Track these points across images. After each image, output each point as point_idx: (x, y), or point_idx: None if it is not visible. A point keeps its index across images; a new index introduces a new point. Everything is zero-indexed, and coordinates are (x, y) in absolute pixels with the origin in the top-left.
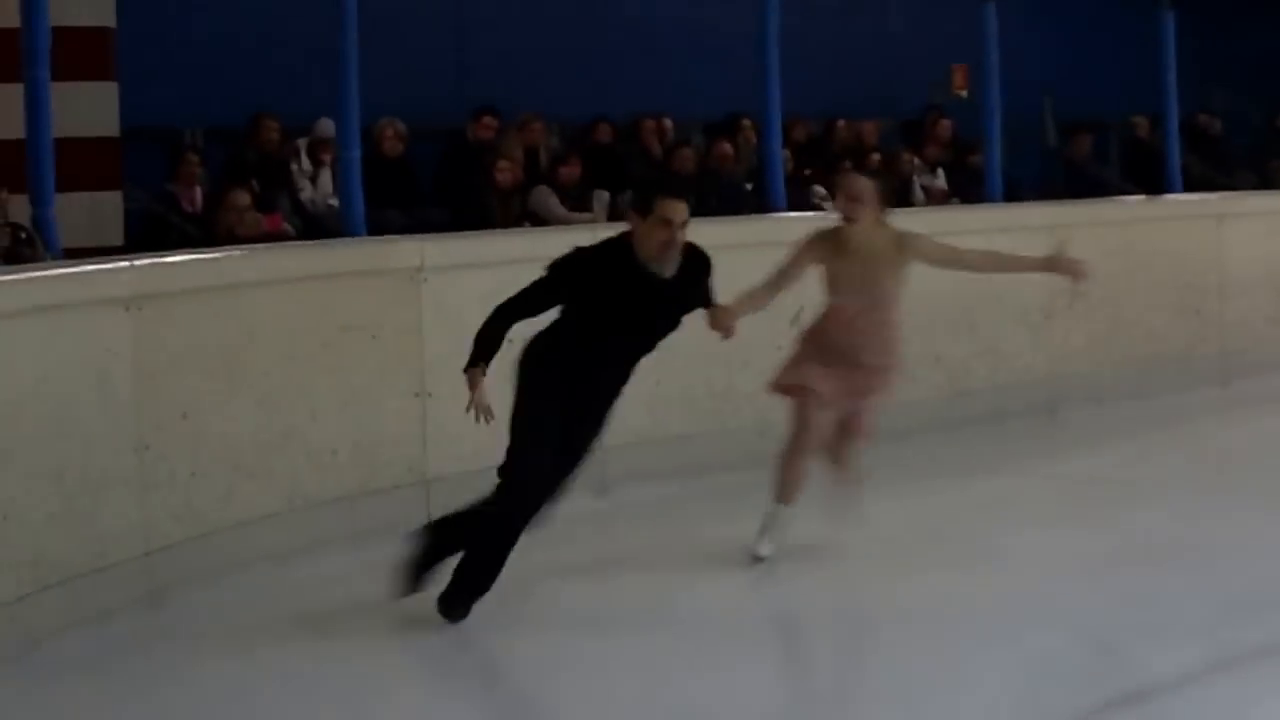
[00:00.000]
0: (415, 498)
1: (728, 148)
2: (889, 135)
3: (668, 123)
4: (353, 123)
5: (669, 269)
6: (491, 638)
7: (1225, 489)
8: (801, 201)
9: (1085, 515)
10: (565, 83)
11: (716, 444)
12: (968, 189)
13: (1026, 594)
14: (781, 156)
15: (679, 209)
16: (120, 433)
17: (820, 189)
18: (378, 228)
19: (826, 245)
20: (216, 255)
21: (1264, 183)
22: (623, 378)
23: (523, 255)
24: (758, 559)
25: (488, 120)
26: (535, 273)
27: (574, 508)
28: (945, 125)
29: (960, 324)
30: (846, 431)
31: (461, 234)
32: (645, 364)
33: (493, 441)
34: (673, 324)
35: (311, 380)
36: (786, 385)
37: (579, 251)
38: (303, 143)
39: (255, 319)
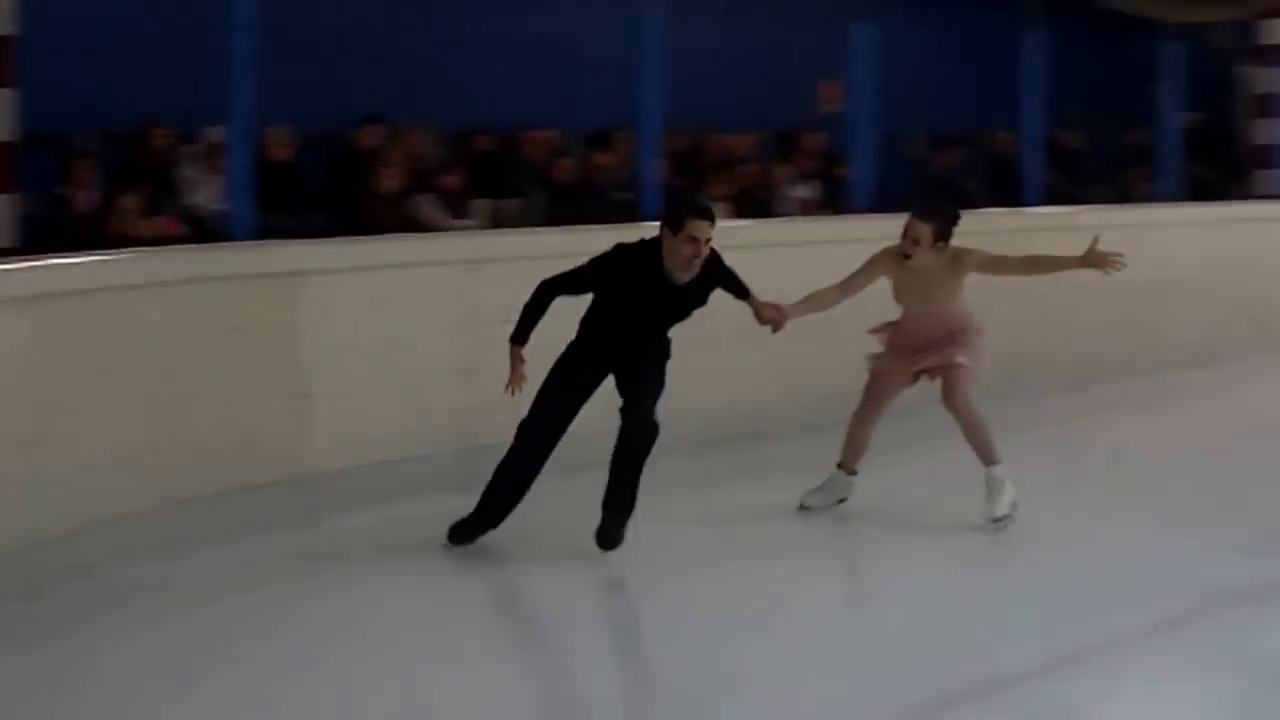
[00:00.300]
0: (294, 495)
1: (606, 158)
2: (763, 146)
3: (549, 133)
4: (242, 129)
5: (687, 277)
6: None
7: (1074, 484)
8: None
9: (933, 512)
10: (449, 93)
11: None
12: (837, 200)
13: (868, 588)
14: (657, 167)
15: (705, 228)
16: (7, 427)
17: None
18: (265, 232)
19: (893, 261)
20: (107, 258)
21: (1119, 197)
22: (648, 343)
23: (403, 260)
24: (804, 509)
25: (373, 128)
26: (416, 277)
27: None
28: (816, 138)
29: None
30: (949, 381)
31: (345, 239)
32: None
33: (370, 439)
34: (683, 316)
35: (197, 380)
36: (870, 368)
37: (618, 248)
38: (193, 148)
39: (144, 320)
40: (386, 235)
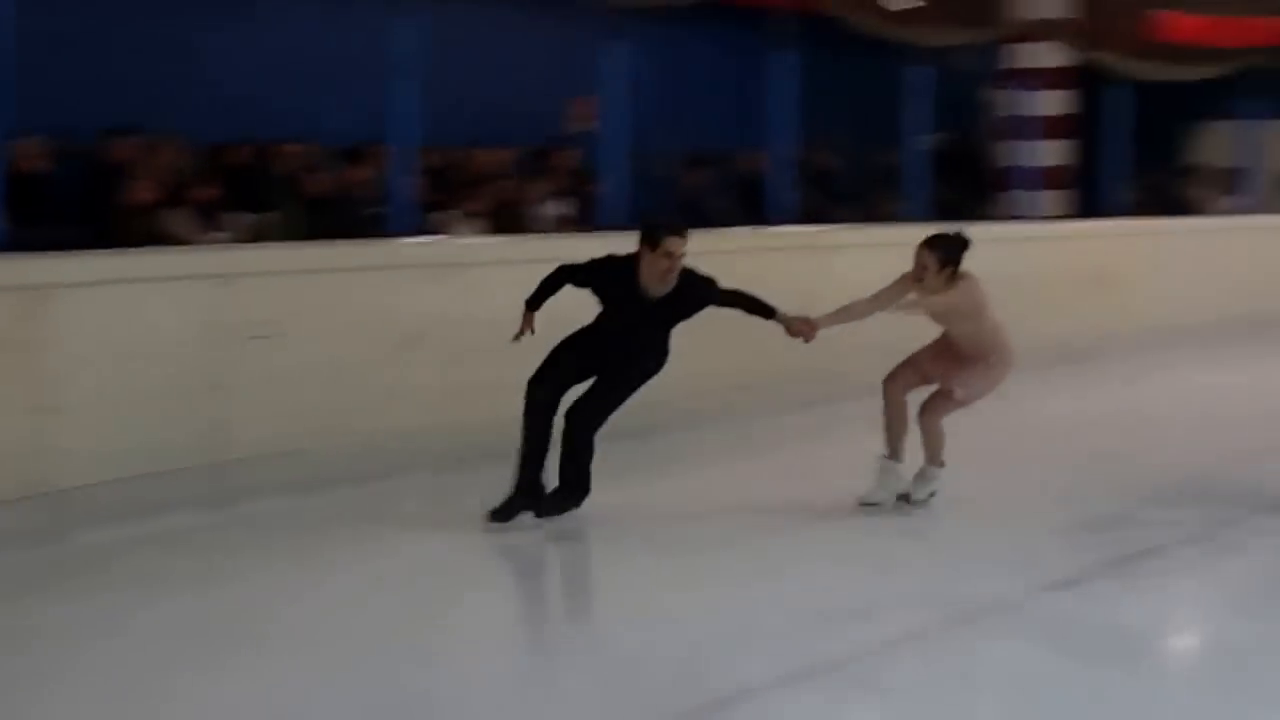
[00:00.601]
0: (37, 510)
1: (360, 172)
2: (517, 163)
3: (302, 147)
4: None
5: (661, 291)
6: None
7: (825, 504)
8: (430, 226)
9: (674, 534)
10: (203, 106)
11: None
12: (590, 217)
13: (613, 600)
14: (411, 183)
15: (680, 244)
16: None
17: (445, 215)
18: (14, 245)
19: (913, 281)
20: None
21: (869, 216)
22: (635, 348)
23: (153, 274)
24: (869, 504)
25: (126, 141)
26: (167, 290)
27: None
28: (570, 156)
29: None
30: (937, 396)
31: (94, 252)
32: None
33: (113, 455)
34: (664, 327)
35: None
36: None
37: (608, 257)
38: None
39: None
40: (137, 249)
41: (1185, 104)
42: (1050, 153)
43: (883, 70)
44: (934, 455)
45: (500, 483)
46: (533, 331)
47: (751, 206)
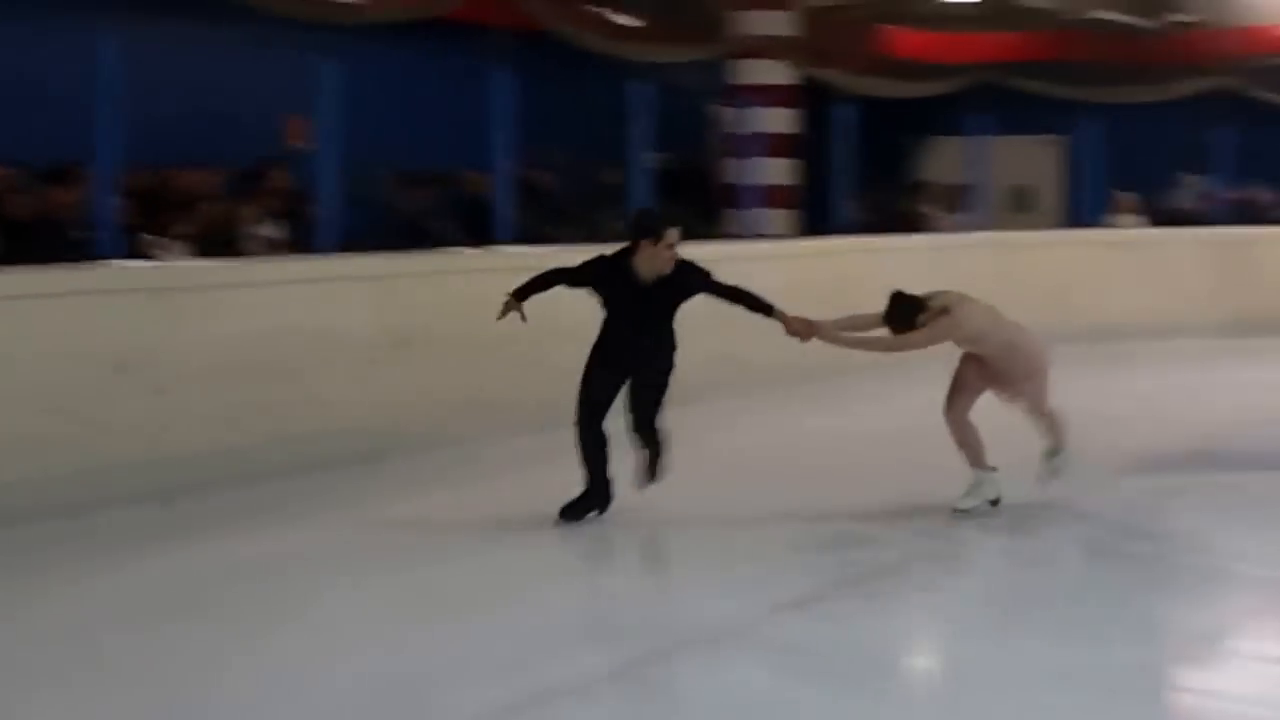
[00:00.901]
0: None
1: (63, 195)
2: (228, 185)
3: (3, 170)
4: None
5: (654, 277)
6: None
7: (548, 531)
8: (137, 250)
9: (418, 559)
10: None
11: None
12: (304, 239)
13: (335, 637)
14: (116, 205)
15: (678, 235)
16: None
17: (153, 238)
18: None
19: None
20: None
21: (592, 235)
22: (645, 337)
23: None
24: (961, 512)
25: None
26: None
27: None
28: (281, 176)
29: (284, 370)
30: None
31: None
32: None
33: None
34: (665, 315)
35: None
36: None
37: (599, 257)
38: None
39: None
40: None
41: (913, 120)
42: (776, 170)
43: (607, 88)
44: (976, 460)
45: (209, 514)
46: (523, 318)
47: (475, 227)
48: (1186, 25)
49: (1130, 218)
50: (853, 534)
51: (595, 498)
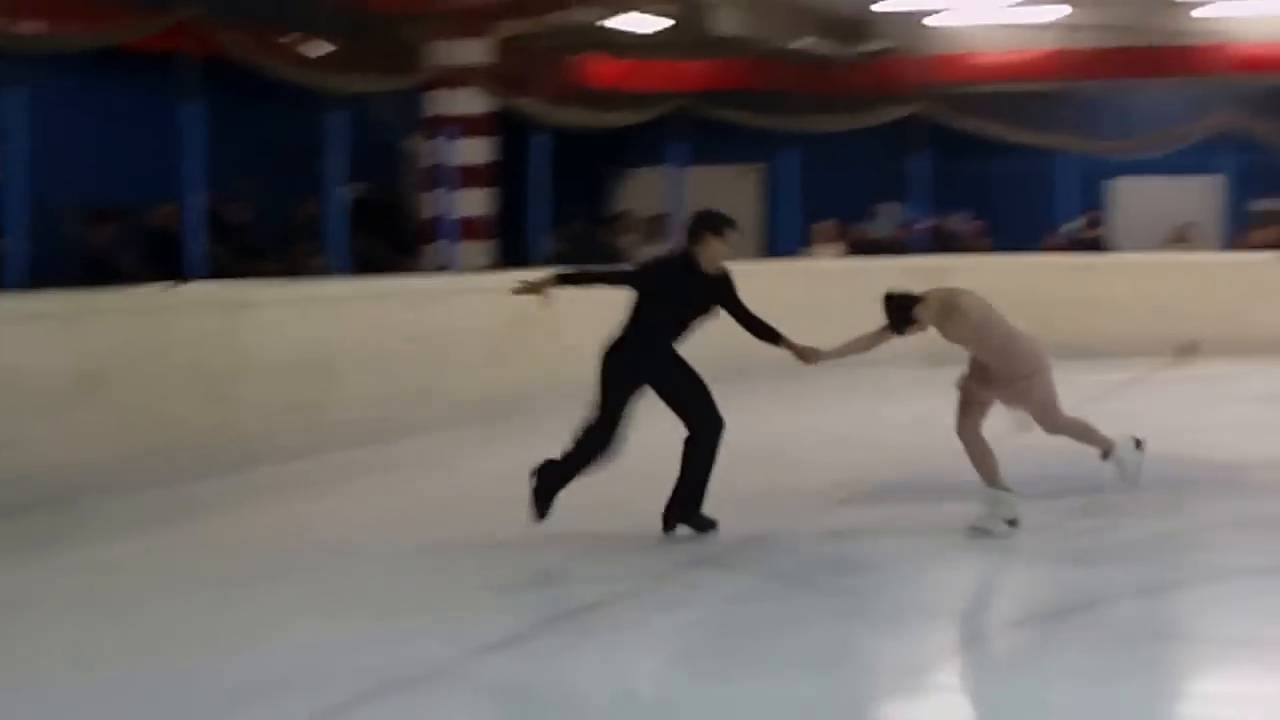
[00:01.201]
0: None
1: None
2: None
3: None
4: None
5: (715, 271)
6: None
7: (250, 576)
8: None
9: (111, 606)
10: None
11: None
12: None
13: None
14: None
15: (738, 236)
16: None
17: None
18: None
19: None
20: None
21: (290, 270)
22: (689, 331)
23: None
24: (983, 532)
25: None
26: None
27: None
28: None
29: None
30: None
31: None
32: None
33: None
34: (708, 310)
35: None
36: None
37: (655, 259)
38: None
39: None
40: None
41: (612, 150)
42: (471, 202)
43: (303, 119)
44: (991, 478)
45: None
46: (546, 305)
47: (164, 262)
48: (879, 54)
49: (829, 247)
50: (561, 570)
51: (569, 469)
